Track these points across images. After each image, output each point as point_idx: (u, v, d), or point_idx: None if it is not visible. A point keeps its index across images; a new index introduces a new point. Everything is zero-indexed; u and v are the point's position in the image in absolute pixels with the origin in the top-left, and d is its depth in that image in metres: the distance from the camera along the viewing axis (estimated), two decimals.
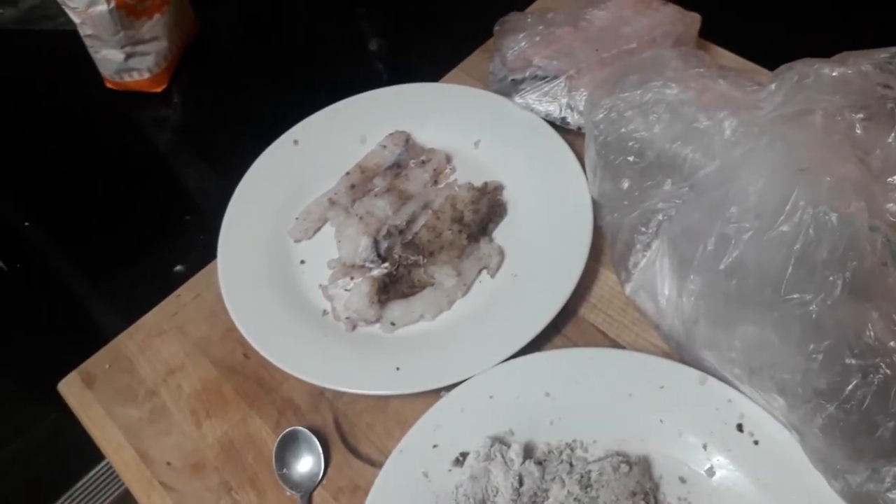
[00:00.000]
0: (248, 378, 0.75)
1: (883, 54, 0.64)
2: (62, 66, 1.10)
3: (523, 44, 0.88)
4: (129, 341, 0.79)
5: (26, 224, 0.96)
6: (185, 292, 0.82)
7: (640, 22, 0.87)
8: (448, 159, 0.87)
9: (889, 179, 0.61)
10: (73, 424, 0.76)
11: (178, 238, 0.91)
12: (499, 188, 0.83)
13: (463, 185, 0.83)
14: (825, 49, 0.68)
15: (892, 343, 0.51)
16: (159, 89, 1.06)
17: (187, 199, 0.98)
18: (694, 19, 0.88)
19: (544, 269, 0.75)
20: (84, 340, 0.82)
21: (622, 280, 0.71)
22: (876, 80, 0.63)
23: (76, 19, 0.97)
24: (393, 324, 0.74)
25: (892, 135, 0.62)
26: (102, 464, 1.14)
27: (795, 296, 0.54)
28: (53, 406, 0.77)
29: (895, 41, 0.66)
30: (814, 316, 0.53)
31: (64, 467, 1.13)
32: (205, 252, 0.82)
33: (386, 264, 0.78)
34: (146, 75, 1.04)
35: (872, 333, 0.52)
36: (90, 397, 0.76)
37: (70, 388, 0.77)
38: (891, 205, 0.60)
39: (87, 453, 0.77)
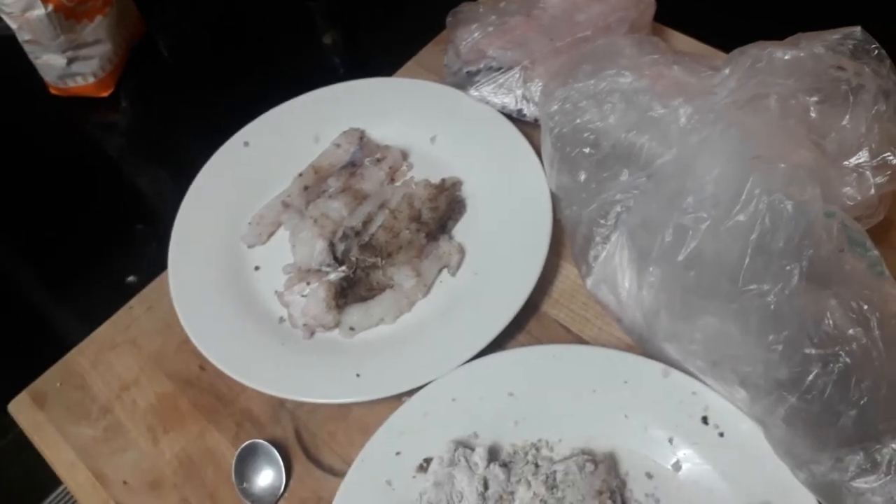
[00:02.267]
0: (205, 391, 0.73)
1: (835, 35, 0.63)
2: (4, 73, 1.06)
3: (476, 35, 0.86)
4: (80, 357, 0.77)
5: None
6: (137, 304, 0.79)
7: (594, 8, 0.85)
8: (404, 156, 0.85)
9: (845, 163, 0.60)
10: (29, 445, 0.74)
11: (129, 248, 0.88)
12: (457, 184, 0.81)
13: (420, 183, 0.81)
14: (783, 29, 0.67)
15: (850, 331, 0.51)
16: (106, 94, 1.02)
17: (139, 206, 0.94)
18: (648, 4, 0.86)
19: (505, 266, 0.74)
20: (35, 356, 0.79)
21: (583, 274, 0.69)
22: (829, 62, 0.62)
23: (13, 24, 0.93)
24: (352, 329, 0.73)
25: (847, 117, 0.61)
26: (62, 488, 1.11)
27: (753, 286, 0.54)
28: (11, 424, 0.75)
29: (850, 20, 0.65)
30: (772, 306, 0.53)
31: (28, 485, 1.10)
32: (157, 261, 0.80)
33: (343, 267, 0.76)
34: (91, 80, 1.01)
35: (831, 321, 0.51)
36: (42, 417, 0.73)
37: (20, 408, 0.74)
38: (847, 188, 0.60)
39: (43, 476, 0.75)
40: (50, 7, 0.92)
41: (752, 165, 0.56)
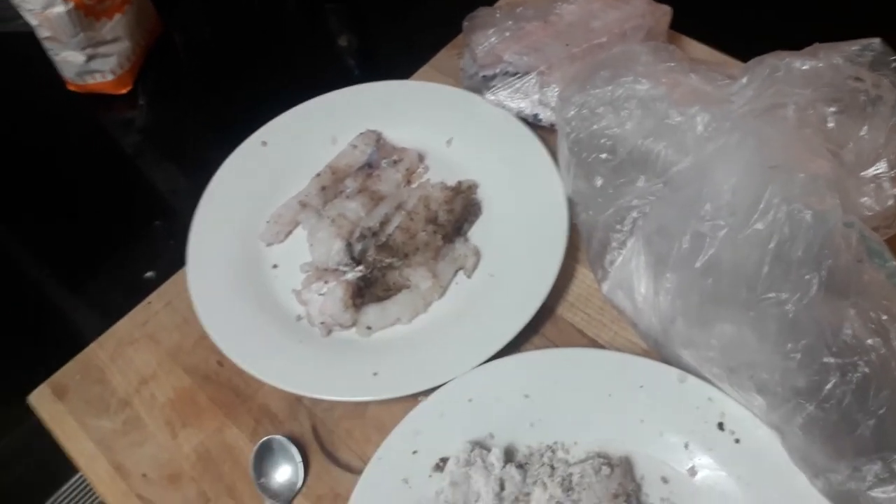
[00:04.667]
0: (223, 386, 0.74)
1: (853, 47, 0.64)
2: (22, 70, 1.07)
3: (493, 39, 0.87)
4: (100, 351, 0.78)
5: None
6: (155, 300, 0.80)
7: (610, 15, 0.86)
8: (420, 158, 0.86)
9: (862, 173, 0.61)
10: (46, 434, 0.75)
11: (147, 244, 0.89)
12: (473, 187, 0.82)
13: (436, 185, 0.81)
14: (800, 38, 0.68)
15: (869, 341, 0.51)
16: (124, 91, 1.03)
17: (157, 203, 0.95)
18: (665, 11, 0.87)
19: (521, 269, 0.75)
20: (54, 350, 0.80)
21: (599, 278, 0.70)
22: (847, 73, 0.63)
23: (33, 21, 0.94)
24: (369, 328, 0.73)
25: (865, 128, 0.62)
26: (78, 476, 1.12)
27: (771, 295, 0.54)
28: (25, 416, 0.75)
29: (869, 31, 0.66)
30: (790, 315, 0.53)
31: (41, 477, 1.11)
32: (175, 258, 0.80)
33: (360, 267, 0.77)
34: (109, 77, 1.02)
35: (850, 331, 0.52)
36: (62, 409, 0.74)
37: (41, 400, 0.75)
38: (865, 199, 0.60)
39: (60, 465, 0.76)
40: (70, 4, 0.93)
41: (770, 174, 0.57)
